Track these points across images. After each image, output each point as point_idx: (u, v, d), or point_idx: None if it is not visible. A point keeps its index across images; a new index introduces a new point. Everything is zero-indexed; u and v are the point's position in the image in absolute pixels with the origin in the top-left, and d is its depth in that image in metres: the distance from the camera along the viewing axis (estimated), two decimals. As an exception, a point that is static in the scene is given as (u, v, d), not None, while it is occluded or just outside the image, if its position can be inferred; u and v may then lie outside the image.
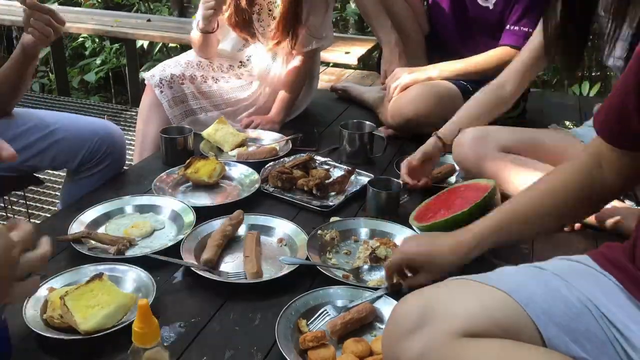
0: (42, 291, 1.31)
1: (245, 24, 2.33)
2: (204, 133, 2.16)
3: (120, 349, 1.16)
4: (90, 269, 1.38)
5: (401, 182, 1.79)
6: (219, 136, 2.15)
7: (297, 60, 2.38)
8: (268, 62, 2.41)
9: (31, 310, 1.25)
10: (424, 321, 0.88)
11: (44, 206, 2.92)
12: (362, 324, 1.25)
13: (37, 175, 2.01)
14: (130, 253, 1.51)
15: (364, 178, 1.92)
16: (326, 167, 2.00)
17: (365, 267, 1.48)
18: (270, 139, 2.24)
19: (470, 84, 2.24)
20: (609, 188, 1.09)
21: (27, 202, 2.63)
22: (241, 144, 2.17)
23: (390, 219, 1.65)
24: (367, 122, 2.18)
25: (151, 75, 2.30)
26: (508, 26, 2.21)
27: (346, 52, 3.46)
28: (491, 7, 2.23)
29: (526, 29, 2.15)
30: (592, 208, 1.21)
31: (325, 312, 1.28)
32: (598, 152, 1.08)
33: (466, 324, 0.87)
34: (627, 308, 0.93)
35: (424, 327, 0.88)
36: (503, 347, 0.85)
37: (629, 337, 0.89)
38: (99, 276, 1.26)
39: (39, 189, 3.01)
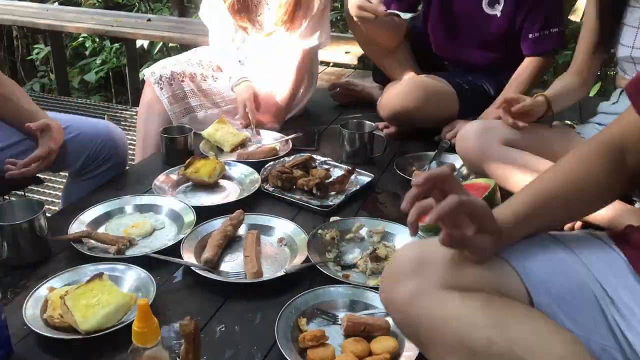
0: (43, 291, 1.31)
1: (247, 10, 2.33)
2: (204, 133, 2.16)
3: (120, 348, 1.16)
4: (90, 269, 1.38)
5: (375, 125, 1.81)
6: (219, 136, 2.15)
7: (295, 59, 2.38)
8: (266, 60, 2.42)
9: (31, 310, 1.25)
10: (419, 269, 0.94)
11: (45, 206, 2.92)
12: (370, 334, 1.23)
13: (37, 175, 2.01)
14: (130, 253, 1.51)
15: (364, 178, 1.93)
16: (326, 167, 2.00)
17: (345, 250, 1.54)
18: (270, 138, 2.24)
19: (466, 83, 2.24)
20: (632, 171, 1.04)
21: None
22: (241, 144, 2.18)
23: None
24: (367, 122, 2.18)
25: (151, 72, 2.30)
26: (534, 34, 2.14)
27: (346, 52, 3.46)
28: (499, 15, 2.20)
29: (556, 29, 2.13)
30: (616, 194, 1.12)
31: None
32: (620, 135, 1.04)
33: (456, 279, 0.92)
34: (634, 291, 0.93)
35: (418, 273, 0.93)
36: (486, 299, 0.89)
37: (631, 321, 0.90)
38: (99, 276, 1.27)
39: (39, 188, 3.01)
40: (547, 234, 1.04)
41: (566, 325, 0.90)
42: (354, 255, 1.53)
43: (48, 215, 1.65)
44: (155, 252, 1.47)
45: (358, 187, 1.88)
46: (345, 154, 2.11)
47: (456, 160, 2.03)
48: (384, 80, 2.53)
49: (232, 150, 2.14)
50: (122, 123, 3.88)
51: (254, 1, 2.33)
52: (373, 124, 2.18)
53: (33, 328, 1.20)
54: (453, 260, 0.94)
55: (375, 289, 1.35)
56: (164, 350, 0.99)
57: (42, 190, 3.04)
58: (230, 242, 1.56)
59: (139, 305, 0.94)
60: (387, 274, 1.02)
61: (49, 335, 1.20)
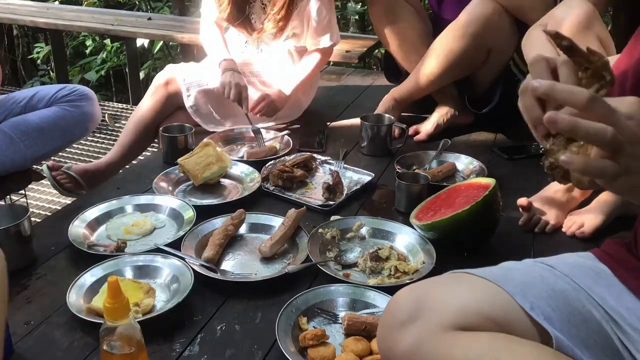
0: (88, 278, 1.36)
1: (241, 16, 2.34)
2: (180, 159, 1.89)
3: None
4: (129, 259, 1.44)
5: (428, 176, 1.79)
6: (191, 165, 1.85)
7: (315, 59, 2.41)
8: (264, 65, 2.43)
9: (74, 297, 1.29)
10: (417, 314, 0.89)
11: (45, 205, 2.92)
12: (371, 333, 1.22)
13: (37, 169, 2.03)
14: (131, 250, 1.51)
15: (364, 177, 1.93)
16: (326, 166, 2.00)
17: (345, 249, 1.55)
18: (269, 138, 2.24)
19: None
20: None
21: (28, 201, 2.63)
22: (217, 178, 1.89)
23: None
24: (387, 115, 2.22)
25: (187, 96, 2.30)
26: None
27: (347, 51, 3.46)
28: None
29: None
30: None
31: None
32: None
33: (459, 317, 0.88)
34: (634, 309, 0.92)
35: (416, 319, 0.89)
36: (494, 339, 0.86)
37: (637, 340, 0.89)
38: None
39: (39, 187, 3.01)
40: (537, 260, 1.02)
41: (578, 356, 0.87)
42: (354, 254, 1.53)
43: (48, 214, 1.65)
44: (165, 245, 1.49)
45: (358, 186, 1.88)
46: (366, 146, 2.15)
47: (457, 160, 2.03)
48: (397, 77, 2.53)
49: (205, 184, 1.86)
50: (123, 122, 3.88)
51: (248, 7, 2.34)
52: (392, 117, 2.20)
53: (73, 311, 1.23)
54: (453, 300, 0.90)
55: (376, 288, 1.35)
56: (136, 325, 1.00)
57: (42, 189, 3.04)
58: (231, 241, 1.56)
59: (108, 282, 0.96)
60: (384, 323, 0.95)
61: (90, 319, 1.22)
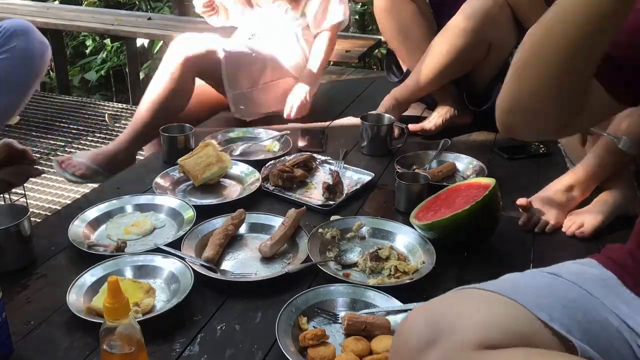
0: (87, 278, 1.35)
1: None
2: (179, 160, 1.90)
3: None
4: (129, 259, 1.43)
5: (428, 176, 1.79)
6: (191, 165, 1.86)
7: (327, 35, 2.51)
8: (274, 31, 2.49)
9: (74, 296, 1.28)
10: (434, 337, 0.82)
11: (45, 205, 2.92)
12: (371, 333, 1.23)
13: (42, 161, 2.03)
14: (131, 250, 1.51)
15: (364, 177, 1.93)
16: (326, 165, 2.00)
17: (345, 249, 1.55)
18: (268, 137, 2.24)
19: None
20: None
21: (28, 201, 2.63)
22: (217, 178, 1.90)
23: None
24: (387, 115, 2.21)
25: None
26: None
27: (346, 51, 3.46)
28: None
29: None
30: None
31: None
32: None
33: (481, 335, 0.81)
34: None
35: (436, 343, 0.81)
36: (527, 356, 0.80)
37: None
38: None
39: (39, 187, 3.01)
40: (543, 270, 0.99)
41: None
42: (354, 254, 1.53)
43: (48, 213, 1.65)
44: (164, 245, 1.49)
45: (359, 186, 1.88)
46: (366, 146, 2.15)
47: (457, 160, 2.03)
48: (398, 76, 2.53)
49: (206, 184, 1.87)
50: (123, 122, 3.88)
51: None
52: (392, 117, 2.20)
53: (73, 311, 1.23)
54: (471, 317, 0.84)
55: (376, 287, 1.35)
56: (136, 325, 1.00)
57: (41, 189, 3.04)
58: (231, 241, 1.57)
59: (108, 282, 0.96)
60: (398, 348, 0.87)
61: (89, 319, 1.21)
